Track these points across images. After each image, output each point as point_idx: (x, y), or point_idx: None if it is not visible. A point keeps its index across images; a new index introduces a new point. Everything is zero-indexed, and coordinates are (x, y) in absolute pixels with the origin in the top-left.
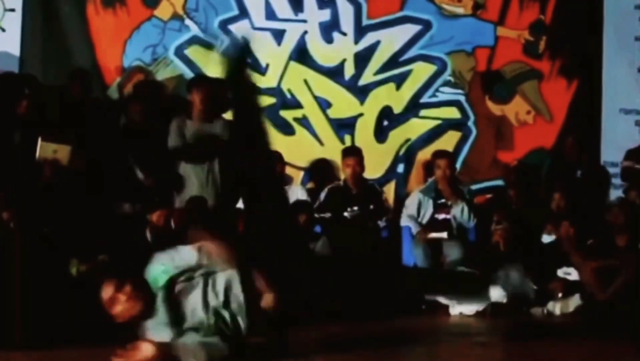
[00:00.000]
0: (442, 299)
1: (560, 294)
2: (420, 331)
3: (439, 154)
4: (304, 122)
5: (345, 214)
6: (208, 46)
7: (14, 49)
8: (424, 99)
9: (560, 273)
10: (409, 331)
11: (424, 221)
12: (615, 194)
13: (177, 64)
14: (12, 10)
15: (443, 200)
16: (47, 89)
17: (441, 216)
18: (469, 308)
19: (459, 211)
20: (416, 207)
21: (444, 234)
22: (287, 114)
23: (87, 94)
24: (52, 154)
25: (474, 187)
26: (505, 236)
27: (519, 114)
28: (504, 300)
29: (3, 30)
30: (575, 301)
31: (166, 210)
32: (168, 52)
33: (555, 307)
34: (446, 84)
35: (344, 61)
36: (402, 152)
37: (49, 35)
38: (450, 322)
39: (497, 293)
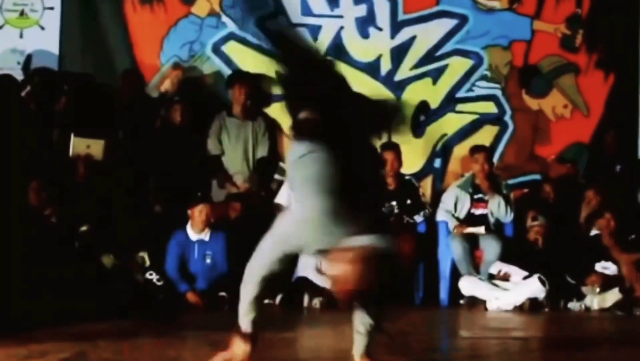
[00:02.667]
0: (480, 294)
1: (598, 289)
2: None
3: (476, 148)
4: None
5: (383, 209)
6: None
7: (54, 46)
8: (461, 93)
9: (598, 267)
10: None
11: (461, 216)
12: None
13: (214, 61)
14: (51, 8)
15: (480, 195)
16: (94, 88)
17: (478, 211)
18: (506, 303)
19: (495, 206)
20: (453, 202)
21: (481, 229)
22: None
23: (136, 93)
24: (85, 150)
25: (511, 182)
26: (543, 232)
27: (555, 109)
28: (542, 295)
29: (42, 28)
30: (613, 295)
31: (208, 204)
32: (205, 48)
33: (594, 301)
34: (482, 78)
35: (380, 56)
36: (439, 147)
37: (87, 33)
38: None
39: (535, 288)
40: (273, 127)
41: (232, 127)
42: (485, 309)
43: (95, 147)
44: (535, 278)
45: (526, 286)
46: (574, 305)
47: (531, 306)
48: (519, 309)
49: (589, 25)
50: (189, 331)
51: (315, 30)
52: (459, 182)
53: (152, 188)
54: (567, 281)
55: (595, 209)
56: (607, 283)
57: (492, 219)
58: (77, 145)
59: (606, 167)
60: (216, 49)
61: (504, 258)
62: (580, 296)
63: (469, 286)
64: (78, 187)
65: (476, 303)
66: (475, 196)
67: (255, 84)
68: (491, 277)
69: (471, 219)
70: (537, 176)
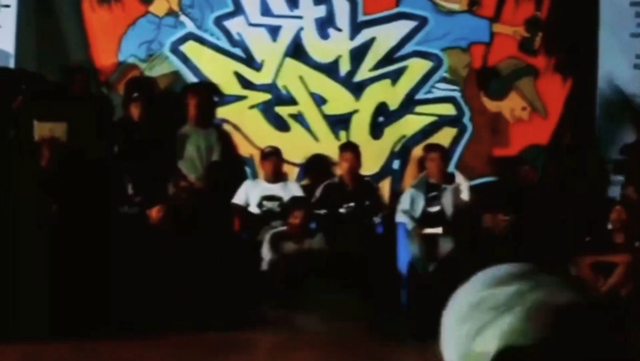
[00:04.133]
0: None
1: None
2: None
3: (430, 147)
4: (299, 118)
5: (341, 210)
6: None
7: (9, 45)
8: (420, 95)
9: None
10: None
11: (417, 215)
12: (612, 190)
13: (173, 60)
14: (7, 6)
15: (434, 193)
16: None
17: (434, 209)
18: None
19: (450, 196)
20: (409, 203)
21: (439, 230)
22: (283, 110)
23: (88, 90)
24: (49, 133)
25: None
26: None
27: (514, 111)
28: None
29: None
30: None
31: (165, 205)
32: (163, 48)
33: None
34: (442, 80)
35: (339, 57)
36: (397, 148)
37: (44, 32)
38: None
39: None
40: (226, 135)
41: (187, 134)
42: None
43: (58, 130)
44: None
45: None
46: None
47: None
48: None
49: (548, 28)
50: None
51: (274, 30)
52: (414, 182)
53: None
54: None
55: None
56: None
57: (447, 213)
58: (41, 129)
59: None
60: (174, 49)
61: (462, 258)
62: None
63: None
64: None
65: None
66: (430, 195)
67: (208, 93)
68: None
69: (428, 219)
70: (495, 178)
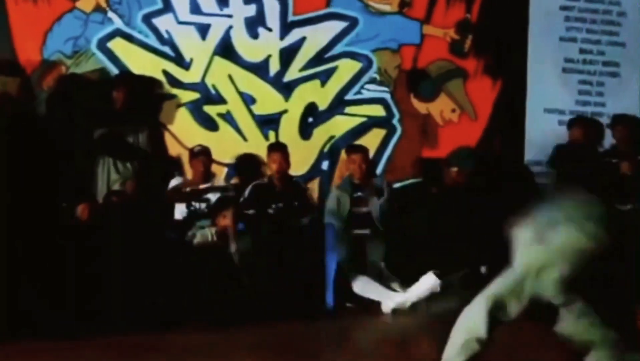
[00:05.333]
0: (374, 296)
1: None
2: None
3: (352, 148)
4: (228, 117)
5: (270, 210)
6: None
7: None
8: (349, 96)
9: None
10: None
11: (344, 216)
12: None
13: (99, 57)
14: None
15: (359, 194)
16: None
17: (360, 210)
18: (402, 303)
19: (377, 204)
20: (335, 203)
21: (366, 231)
22: (211, 110)
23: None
24: (2, 87)
25: (398, 185)
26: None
27: (443, 113)
28: (438, 289)
29: None
30: None
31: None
32: (90, 44)
33: None
34: (371, 81)
35: (269, 56)
36: (326, 149)
37: None
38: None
39: (431, 284)
40: (157, 130)
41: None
42: (381, 311)
43: (11, 85)
44: (430, 274)
45: (422, 284)
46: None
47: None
48: (414, 308)
49: (478, 31)
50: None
51: (204, 29)
52: (339, 183)
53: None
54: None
55: None
56: None
57: (375, 216)
58: None
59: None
60: (101, 46)
61: (389, 259)
62: None
63: (362, 287)
64: None
65: (371, 305)
66: (355, 195)
67: (139, 85)
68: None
69: (355, 220)
70: (423, 179)
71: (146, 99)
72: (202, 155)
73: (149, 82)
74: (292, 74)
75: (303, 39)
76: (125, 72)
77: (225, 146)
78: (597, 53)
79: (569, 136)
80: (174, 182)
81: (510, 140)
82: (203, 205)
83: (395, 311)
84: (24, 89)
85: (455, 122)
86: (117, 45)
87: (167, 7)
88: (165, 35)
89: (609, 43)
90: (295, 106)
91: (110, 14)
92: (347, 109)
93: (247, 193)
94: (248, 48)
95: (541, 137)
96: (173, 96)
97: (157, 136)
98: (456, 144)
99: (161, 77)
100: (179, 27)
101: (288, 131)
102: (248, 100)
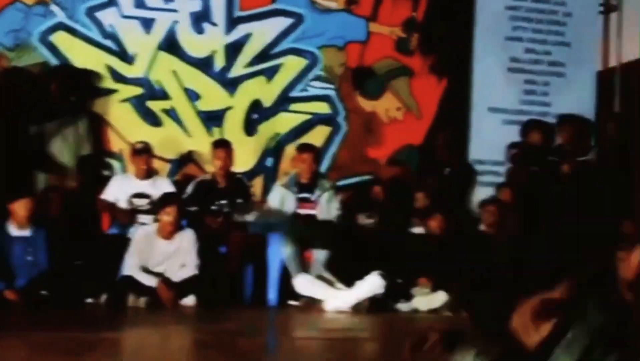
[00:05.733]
0: (317, 294)
1: (428, 290)
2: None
3: (304, 147)
4: (171, 113)
5: (213, 207)
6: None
7: None
8: (294, 93)
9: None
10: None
11: (287, 216)
12: (483, 191)
13: (41, 51)
14: None
15: (305, 194)
16: None
17: (304, 211)
18: (345, 302)
19: (324, 204)
20: (278, 202)
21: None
22: (155, 105)
23: None
24: None
25: (342, 182)
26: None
27: (389, 111)
28: (382, 291)
29: None
30: (442, 296)
31: (30, 199)
32: (32, 37)
33: (423, 302)
34: (317, 78)
35: (214, 52)
36: (271, 146)
37: None
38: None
39: (375, 285)
40: (98, 123)
41: (54, 122)
42: (323, 309)
43: None
44: (375, 275)
45: (366, 284)
46: (403, 306)
47: (370, 306)
48: (357, 308)
49: (424, 30)
50: (6, 332)
51: (148, 23)
52: (283, 181)
53: None
54: (396, 281)
55: (424, 210)
56: (437, 284)
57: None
58: None
59: (436, 170)
60: (43, 39)
61: (332, 261)
62: (409, 297)
63: (305, 285)
64: None
65: (313, 303)
66: (300, 195)
67: (78, 78)
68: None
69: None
70: (369, 177)
71: (84, 91)
72: (144, 152)
73: (87, 75)
74: (237, 70)
75: (249, 34)
76: (62, 65)
77: (169, 142)
78: (543, 53)
79: (527, 138)
80: (115, 180)
81: (455, 138)
82: (145, 202)
83: (339, 310)
84: None
85: (400, 121)
86: (60, 39)
87: (112, 1)
88: (109, 29)
89: (554, 43)
90: (240, 102)
91: (53, 7)
92: (292, 106)
93: (190, 189)
94: (193, 43)
95: (486, 136)
96: (114, 90)
97: (96, 129)
98: (401, 143)
99: (104, 72)
100: (123, 21)
101: (232, 127)
102: (192, 96)
